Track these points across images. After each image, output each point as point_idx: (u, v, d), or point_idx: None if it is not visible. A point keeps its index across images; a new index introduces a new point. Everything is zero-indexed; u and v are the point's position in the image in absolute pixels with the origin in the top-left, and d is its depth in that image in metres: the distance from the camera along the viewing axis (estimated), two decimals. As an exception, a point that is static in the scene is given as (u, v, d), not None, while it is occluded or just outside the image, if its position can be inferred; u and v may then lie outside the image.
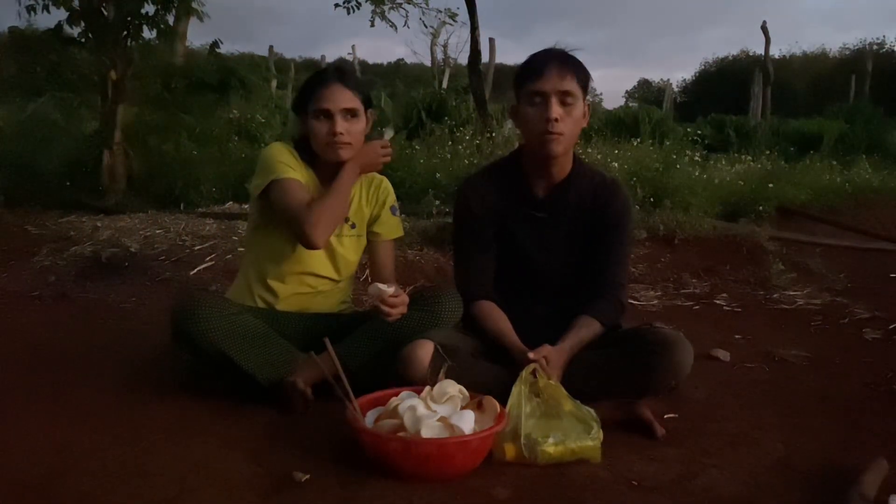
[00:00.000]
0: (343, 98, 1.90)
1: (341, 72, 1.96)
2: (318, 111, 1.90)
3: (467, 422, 1.49)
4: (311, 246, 1.86)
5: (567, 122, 1.81)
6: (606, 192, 1.94)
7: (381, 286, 1.76)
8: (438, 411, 1.51)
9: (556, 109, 1.78)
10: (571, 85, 1.80)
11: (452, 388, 1.59)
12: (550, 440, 1.53)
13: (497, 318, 1.88)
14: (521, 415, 1.56)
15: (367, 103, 1.98)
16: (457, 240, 2.04)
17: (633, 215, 2.01)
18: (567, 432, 1.56)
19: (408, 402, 1.53)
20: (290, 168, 1.91)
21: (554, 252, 1.93)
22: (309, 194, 1.91)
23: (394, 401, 1.57)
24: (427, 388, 1.59)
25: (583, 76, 1.84)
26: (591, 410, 1.62)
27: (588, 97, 1.88)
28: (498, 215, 1.93)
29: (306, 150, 1.98)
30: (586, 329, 1.83)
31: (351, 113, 1.91)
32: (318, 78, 1.96)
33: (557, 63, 1.81)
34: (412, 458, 1.44)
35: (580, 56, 1.86)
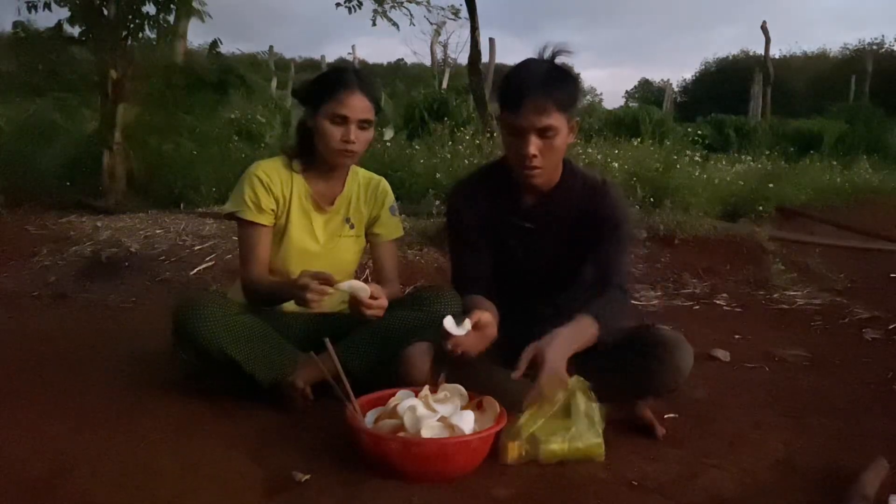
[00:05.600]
0: (362, 108, 1.89)
1: (362, 79, 1.92)
2: (335, 115, 1.88)
3: (467, 422, 1.49)
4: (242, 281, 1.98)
5: (548, 155, 1.70)
6: (596, 197, 1.85)
7: (357, 286, 1.74)
8: (438, 411, 1.51)
9: (534, 146, 1.67)
10: (551, 119, 1.65)
11: (452, 388, 1.59)
12: (556, 438, 1.53)
13: (477, 307, 1.82)
14: (525, 413, 1.55)
15: (377, 110, 1.97)
16: (450, 244, 2.02)
17: (627, 215, 1.90)
18: (573, 430, 1.55)
19: (408, 402, 1.53)
20: (257, 207, 1.93)
21: (545, 259, 1.89)
22: (263, 246, 1.95)
23: (394, 401, 1.57)
24: (426, 387, 1.59)
25: (567, 99, 1.68)
26: (597, 405, 1.61)
27: (575, 112, 1.73)
28: (487, 223, 1.90)
29: (307, 144, 1.97)
30: (579, 325, 1.67)
31: (366, 123, 1.91)
32: (338, 79, 1.90)
33: (536, 95, 1.64)
34: (412, 458, 1.44)
35: (571, 60, 1.72)
